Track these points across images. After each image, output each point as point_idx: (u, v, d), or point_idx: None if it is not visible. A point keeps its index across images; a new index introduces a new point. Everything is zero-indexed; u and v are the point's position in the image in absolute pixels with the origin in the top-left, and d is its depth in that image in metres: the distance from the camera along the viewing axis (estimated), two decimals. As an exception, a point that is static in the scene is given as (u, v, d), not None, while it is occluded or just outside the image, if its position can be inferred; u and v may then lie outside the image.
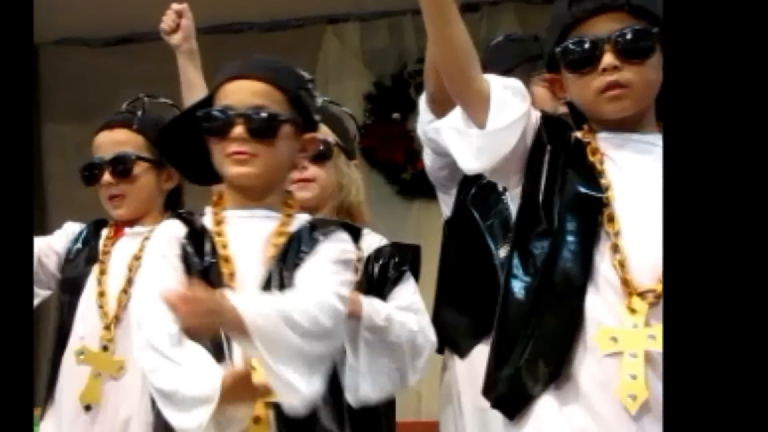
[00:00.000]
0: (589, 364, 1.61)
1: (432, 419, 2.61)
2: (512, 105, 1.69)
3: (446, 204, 2.48)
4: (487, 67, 2.38)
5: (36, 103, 4.81)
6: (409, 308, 2.24)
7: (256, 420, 1.73)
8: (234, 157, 1.82)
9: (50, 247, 2.43)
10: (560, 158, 1.72)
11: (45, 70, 4.97)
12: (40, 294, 2.43)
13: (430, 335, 2.22)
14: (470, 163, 1.70)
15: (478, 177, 2.36)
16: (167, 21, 2.41)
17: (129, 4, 4.55)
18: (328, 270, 1.79)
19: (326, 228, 1.87)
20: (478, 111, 1.67)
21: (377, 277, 2.28)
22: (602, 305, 1.62)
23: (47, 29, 4.15)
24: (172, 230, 1.86)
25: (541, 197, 1.70)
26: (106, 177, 2.37)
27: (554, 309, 1.65)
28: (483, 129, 1.67)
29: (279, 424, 1.74)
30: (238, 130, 1.81)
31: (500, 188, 2.36)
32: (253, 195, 1.86)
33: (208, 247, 1.83)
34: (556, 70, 1.78)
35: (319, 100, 2.41)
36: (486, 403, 2.11)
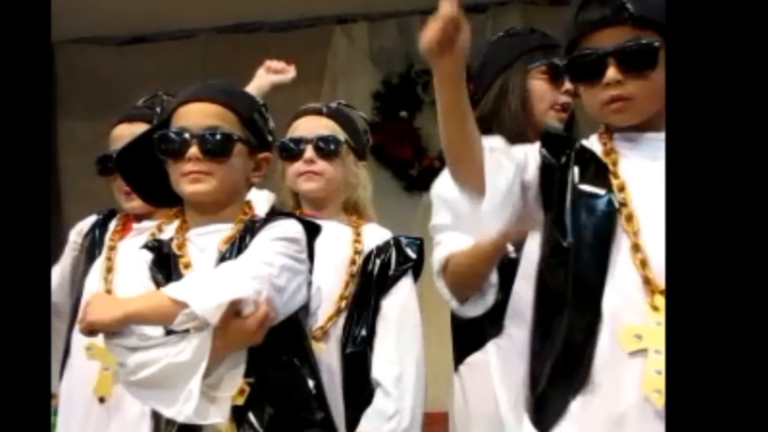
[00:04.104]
0: (614, 366, 1.62)
1: (438, 410, 2.64)
2: (504, 171, 1.70)
3: None
4: (487, 64, 2.47)
5: (52, 100, 4.83)
6: (404, 307, 2.31)
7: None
8: (189, 176, 1.87)
9: (64, 270, 2.49)
10: (569, 170, 1.73)
11: (60, 68, 5.00)
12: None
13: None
14: (485, 232, 1.75)
15: None
16: (277, 65, 2.62)
17: (142, 4, 4.61)
18: (262, 246, 1.83)
19: (268, 219, 1.91)
20: (476, 186, 1.69)
21: (378, 273, 2.33)
22: (625, 305, 1.63)
23: (63, 28, 4.20)
24: (141, 258, 1.93)
25: (554, 215, 1.72)
26: None
27: (577, 315, 1.66)
28: (481, 198, 1.68)
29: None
30: (193, 150, 1.86)
31: None
32: (210, 211, 1.92)
33: (173, 268, 1.89)
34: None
35: (333, 104, 2.49)
36: (490, 410, 2.19)
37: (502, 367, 2.27)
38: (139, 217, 2.44)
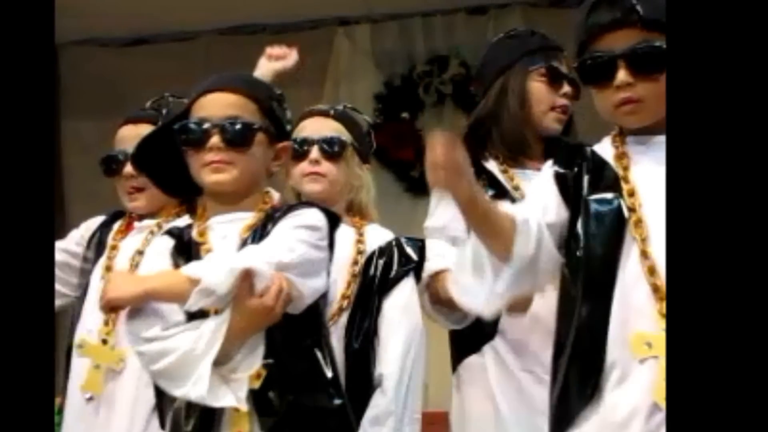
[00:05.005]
0: (624, 373, 1.63)
1: (438, 410, 2.65)
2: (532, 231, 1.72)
3: None
4: (487, 64, 2.49)
5: (56, 101, 4.86)
6: (405, 308, 2.32)
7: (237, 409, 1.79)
8: (211, 166, 1.89)
9: (66, 251, 2.49)
10: (582, 178, 1.75)
11: (64, 70, 5.02)
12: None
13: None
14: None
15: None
16: (278, 50, 2.57)
17: (145, 7, 4.63)
18: (283, 233, 1.84)
19: (290, 208, 1.93)
20: (503, 256, 1.72)
21: (380, 274, 2.34)
22: (634, 312, 1.64)
23: (67, 31, 4.22)
24: (162, 245, 1.95)
25: (569, 223, 1.73)
26: (128, 169, 2.38)
27: (588, 320, 1.67)
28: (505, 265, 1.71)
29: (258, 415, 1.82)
30: (214, 140, 1.88)
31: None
32: (231, 201, 1.93)
33: (195, 255, 1.90)
34: None
35: (340, 107, 2.52)
36: (487, 410, 2.22)
37: (499, 368, 2.30)
38: (142, 217, 2.45)
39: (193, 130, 1.90)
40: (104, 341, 2.29)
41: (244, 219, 1.93)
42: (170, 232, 1.97)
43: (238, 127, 1.89)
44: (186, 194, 2.04)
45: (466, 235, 2.38)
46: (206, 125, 1.89)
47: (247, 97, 1.93)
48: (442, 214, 2.42)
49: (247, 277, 1.75)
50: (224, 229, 1.92)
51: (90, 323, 2.35)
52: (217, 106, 1.91)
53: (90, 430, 2.30)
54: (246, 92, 1.94)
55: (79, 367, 2.35)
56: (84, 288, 2.44)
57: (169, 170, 1.99)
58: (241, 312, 1.76)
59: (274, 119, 1.96)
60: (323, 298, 1.96)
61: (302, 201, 2.07)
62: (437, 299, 2.32)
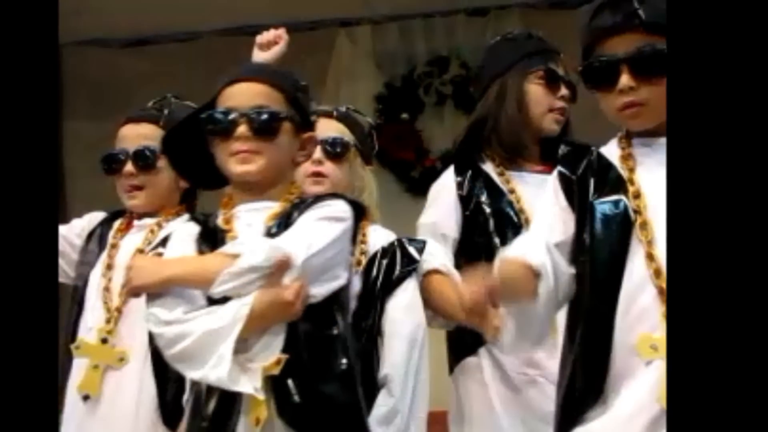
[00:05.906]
0: (629, 375, 1.64)
1: (439, 409, 2.66)
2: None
3: None
4: (486, 67, 2.51)
5: (58, 101, 4.90)
6: (408, 308, 2.33)
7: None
8: (238, 156, 1.90)
9: (66, 239, 2.49)
10: (587, 181, 1.75)
11: (66, 70, 5.00)
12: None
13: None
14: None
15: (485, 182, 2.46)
16: (267, 36, 2.53)
17: (146, 8, 4.64)
18: (308, 223, 1.85)
19: (317, 199, 1.94)
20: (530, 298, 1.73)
21: (383, 275, 2.35)
22: (640, 314, 1.64)
23: (68, 31, 4.23)
24: (187, 230, 1.96)
25: (576, 227, 1.74)
26: (128, 168, 2.39)
27: (594, 322, 1.68)
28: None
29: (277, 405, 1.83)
30: (242, 129, 1.88)
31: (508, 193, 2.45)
32: (258, 191, 1.94)
33: (220, 242, 1.90)
34: None
35: (343, 108, 2.53)
36: (484, 410, 2.24)
37: (495, 370, 2.32)
38: (141, 216, 2.45)
39: (220, 120, 1.91)
40: (104, 340, 2.28)
41: (270, 208, 1.93)
42: (195, 219, 1.99)
43: (264, 116, 1.90)
44: (211, 186, 2.05)
45: (456, 234, 2.42)
46: (233, 115, 1.90)
47: (273, 86, 1.94)
48: (435, 212, 2.44)
49: (284, 262, 1.77)
50: (249, 218, 1.93)
51: (90, 321, 2.34)
52: (244, 95, 1.92)
53: (89, 431, 2.29)
54: (272, 82, 1.95)
55: (75, 367, 2.34)
56: (83, 284, 2.43)
57: (194, 162, 2.00)
58: (262, 300, 1.78)
59: (299, 109, 1.97)
60: (345, 289, 1.97)
61: (331, 194, 2.08)
62: (425, 301, 2.34)
